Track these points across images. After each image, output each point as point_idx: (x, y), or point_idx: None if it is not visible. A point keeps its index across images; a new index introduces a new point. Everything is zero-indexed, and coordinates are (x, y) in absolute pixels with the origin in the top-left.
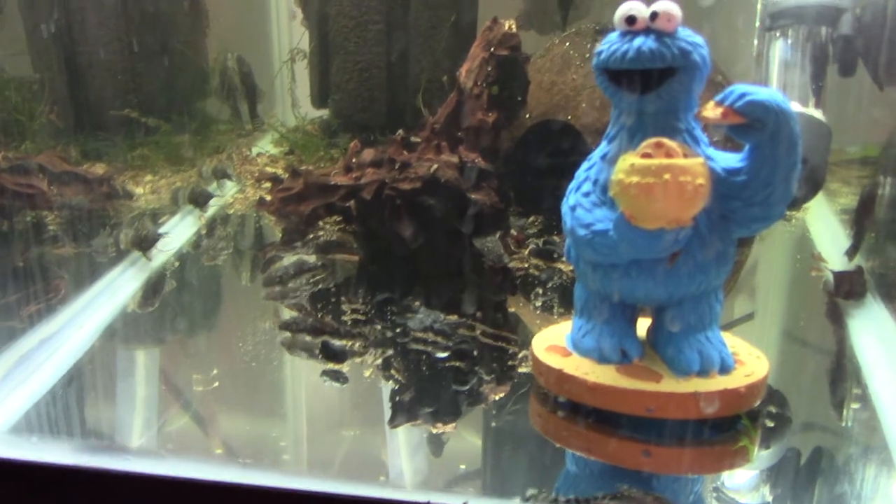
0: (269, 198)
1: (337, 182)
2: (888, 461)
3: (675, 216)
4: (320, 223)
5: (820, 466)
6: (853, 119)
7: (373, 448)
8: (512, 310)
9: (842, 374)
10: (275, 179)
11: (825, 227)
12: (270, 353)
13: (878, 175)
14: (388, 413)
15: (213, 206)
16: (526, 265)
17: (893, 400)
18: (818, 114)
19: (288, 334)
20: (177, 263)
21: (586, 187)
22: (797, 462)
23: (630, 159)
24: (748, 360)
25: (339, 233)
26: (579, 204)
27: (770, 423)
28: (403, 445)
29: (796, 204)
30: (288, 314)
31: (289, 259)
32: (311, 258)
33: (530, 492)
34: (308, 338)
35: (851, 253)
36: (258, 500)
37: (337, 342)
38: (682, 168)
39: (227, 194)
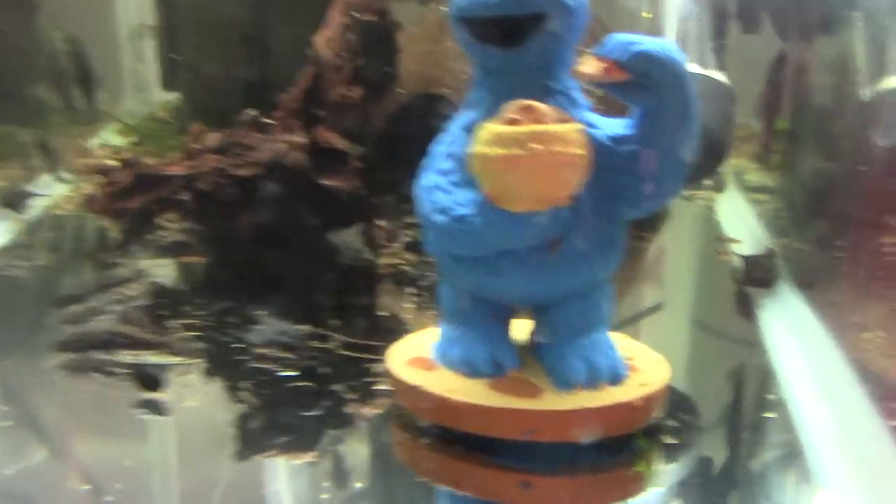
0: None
1: (170, 172)
2: (804, 470)
3: (547, 195)
4: (158, 221)
5: (730, 477)
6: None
7: (196, 490)
8: (382, 314)
9: (752, 372)
10: (106, 171)
11: (733, 207)
12: (75, 380)
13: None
14: (215, 448)
15: (40, 207)
16: (398, 261)
17: (808, 401)
18: (720, 76)
19: (71, 355)
20: None
21: (444, 164)
22: (706, 473)
23: (492, 127)
24: (644, 365)
25: (185, 232)
26: (436, 185)
27: (672, 441)
28: (238, 488)
29: (697, 178)
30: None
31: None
32: (124, 270)
33: None
34: (111, 356)
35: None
36: None
37: (150, 366)
38: (554, 135)
39: (57, 192)
